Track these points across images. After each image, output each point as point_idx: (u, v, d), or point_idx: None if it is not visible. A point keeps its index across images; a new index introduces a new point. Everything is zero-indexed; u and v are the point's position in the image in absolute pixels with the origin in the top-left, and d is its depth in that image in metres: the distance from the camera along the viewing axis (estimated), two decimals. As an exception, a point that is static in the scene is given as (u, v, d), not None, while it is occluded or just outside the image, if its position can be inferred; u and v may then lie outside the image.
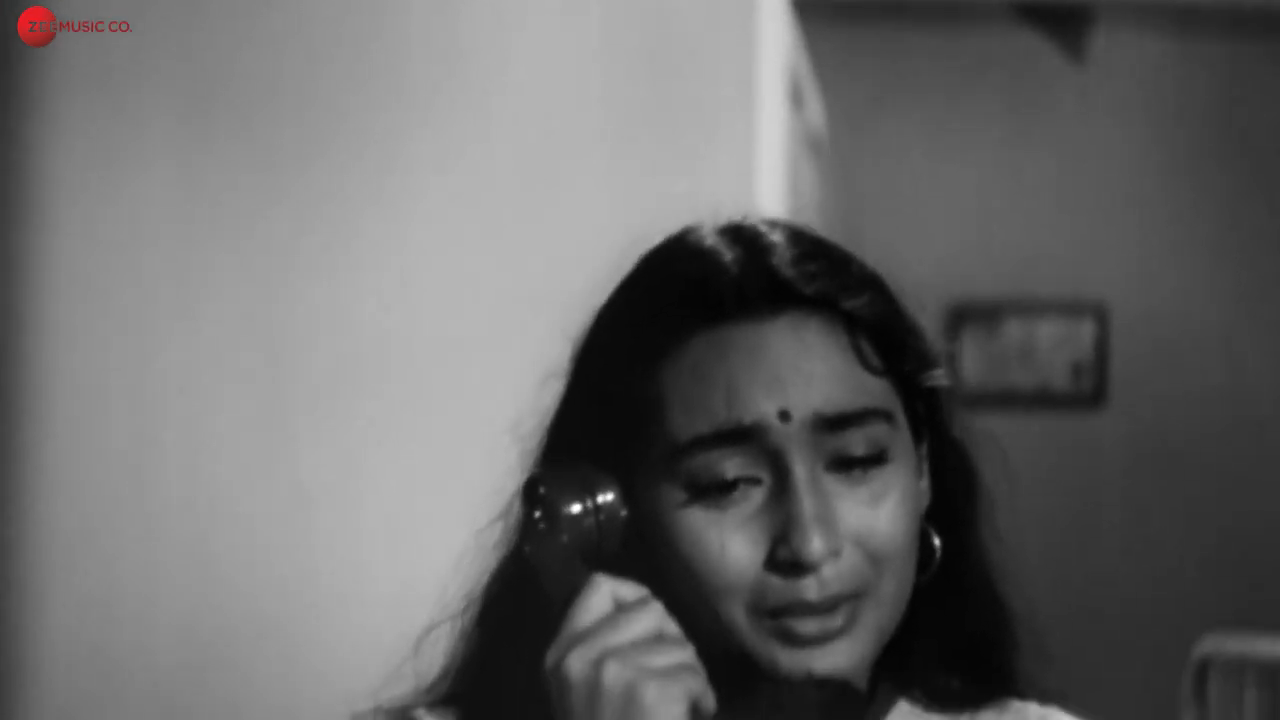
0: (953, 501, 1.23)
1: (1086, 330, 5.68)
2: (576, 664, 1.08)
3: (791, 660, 1.13)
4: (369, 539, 3.13)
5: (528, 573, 1.17)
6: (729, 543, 1.13)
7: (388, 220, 3.12)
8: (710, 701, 1.10)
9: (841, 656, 1.14)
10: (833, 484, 1.14)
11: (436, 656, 1.26)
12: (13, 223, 3.11)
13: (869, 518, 1.14)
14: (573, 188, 3.05)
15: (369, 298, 3.10)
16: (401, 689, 1.26)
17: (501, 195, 3.09)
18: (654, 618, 1.10)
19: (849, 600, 1.14)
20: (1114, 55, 5.87)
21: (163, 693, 3.18)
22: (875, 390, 1.15)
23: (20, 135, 3.11)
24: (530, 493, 1.17)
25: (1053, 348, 5.65)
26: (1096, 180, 5.84)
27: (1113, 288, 5.72)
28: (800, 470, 1.12)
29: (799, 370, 1.13)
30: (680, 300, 1.16)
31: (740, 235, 1.19)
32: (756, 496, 1.14)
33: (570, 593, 1.12)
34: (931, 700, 1.25)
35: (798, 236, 1.19)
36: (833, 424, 1.13)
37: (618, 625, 1.09)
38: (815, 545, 1.11)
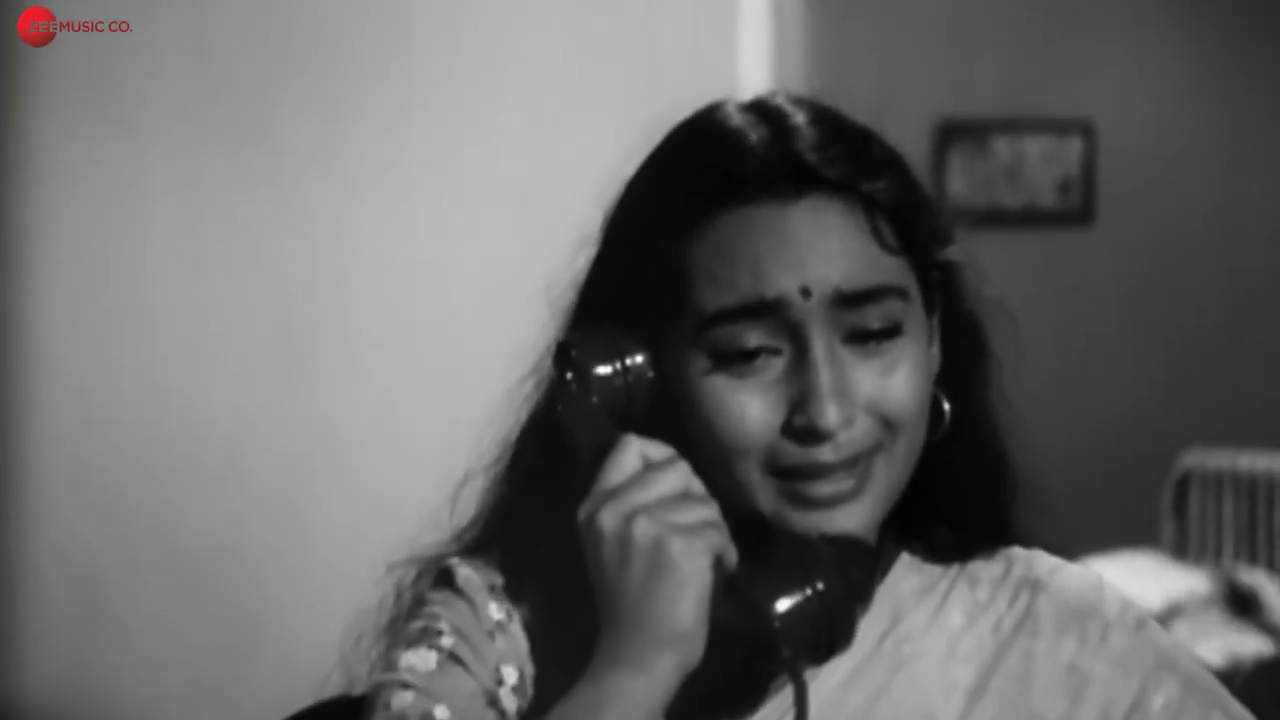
0: (962, 368, 1.29)
1: (1074, 148, 5.67)
2: (608, 519, 1.15)
3: (803, 521, 1.20)
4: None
5: (558, 429, 1.23)
6: (748, 407, 1.19)
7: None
8: (733, 555, 1.16)
9: (851, 519, 1.21)
10: (849, 355, 1.20)
11: (470, 507, 1.32)
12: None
13: (883, 387, 1.20)
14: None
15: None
16: (437, 537, 1.32)
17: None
18: (680, 476, 1.17)
19: (862, 459, 1.20)
20: None
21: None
22: (891, 268, 1.21)
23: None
24: (562, 355, 1.23)
25: (1040, 166, 5.65)
26: (1085, -3, 5.81)
27: (1101, 106, 5.71)
28: (819, 343, 1.18)
29: (820, 250, 1.19)
30: (708, 180, 1.21)
31: (766, 114, 1.24)
32: (777, 366, 1.20)
33: (600, 450, 1.18)
34: (930, 553, 1.32)
35: (820, 116, 1.24)
36: (851, 300, 1.19)
37: (646, 483, 1.16)
38: (831, 415, 1.18)
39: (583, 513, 1.16)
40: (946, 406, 1.27)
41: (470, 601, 1.26)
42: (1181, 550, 5.06)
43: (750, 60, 3.39)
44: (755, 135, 1.22)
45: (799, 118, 1.23)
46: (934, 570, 1.32)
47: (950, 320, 1.28)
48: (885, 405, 1.20)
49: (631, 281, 1.23)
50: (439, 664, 1.23)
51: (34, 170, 3.10)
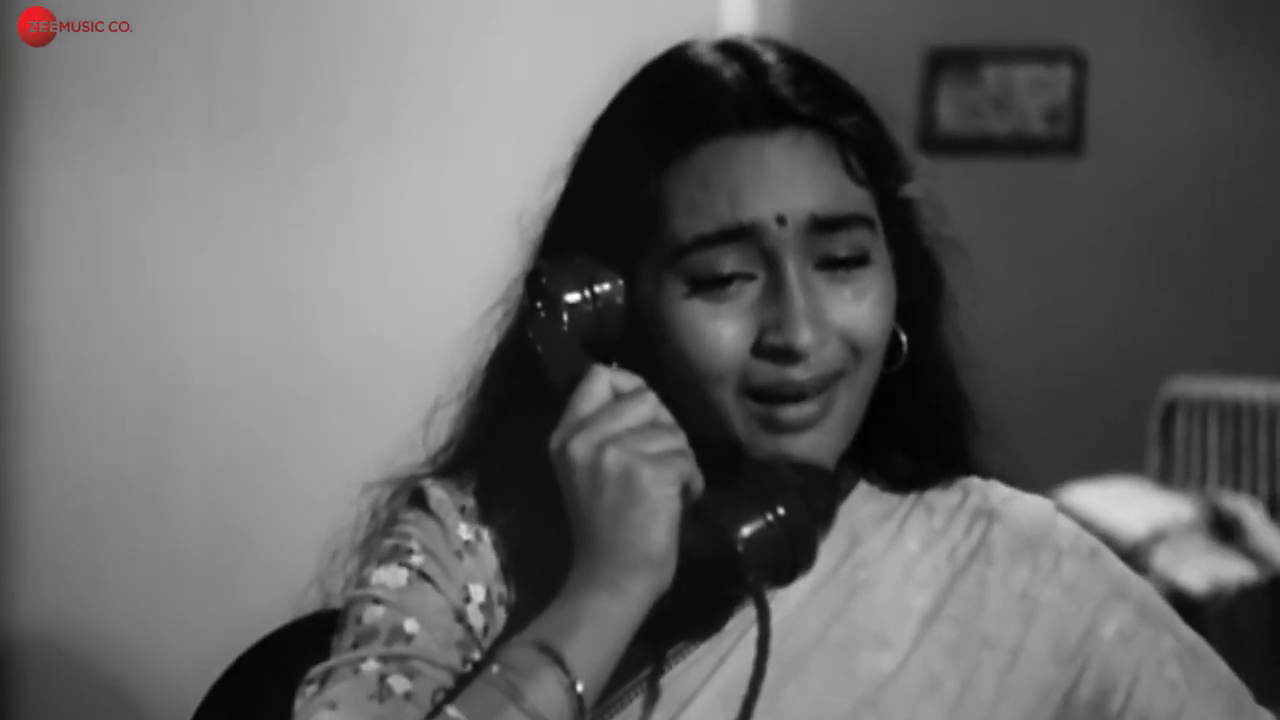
0: (918, 303, 1.33)
1: (1063, 76, 5.67)
2: (579, 449, 1.18)
3: (773, 445, 1.24)
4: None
5: (529, 356, 1.27)
6: (723, 330, 1.23)
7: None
8: (699, 483, 1.20)
9: (817, 444, 1.25)
10: (820, 282, 1.24)
11: (443, 430, 1.36)
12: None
13: (853, 313, 1.25)
14: None
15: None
16: (411, 459, 1.36)
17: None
18: (649, 406, 1.21)
19: (831, 383, 1.24)
20: None
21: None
22: (860, 199, 1.26)
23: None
24: (533, 282, 1.27)
25: (1029, 94, 5.65)
26: (1075, -77, 5.79)
27: (1090, 35, 5.70)
28: (793, 268, 1.23)
29: (795, 180, 1.23)
30: (686, 114, 1.25)
31: (737, 53, 1.28)
32: (751, 291, 1.24)
33: (571, 378, 1.22)
34: (888, 481, 1.36)
35: (789, 55, 1.28)
36: (824, 226, 1.23)
37: (616, 413, 1.19)
38: (805, 335, 1.22)
39: (554, 442, 1.20)
40: (904, 339, 1.30)
41: (441, 522, 1.30)
42: (1167, 477, 5.09)
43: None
44: (729, 72, 1.26)
45: (769, 55, 1.27)
46: (892, 498, 1.36)
47: (907, 256, 1.32)
48: (854, 331, 1.25)
49: (607, 211, 1.27)
50: (409, 581, 1.27)
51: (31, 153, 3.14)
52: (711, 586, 1.23)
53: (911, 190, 1.31)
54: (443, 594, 1.27)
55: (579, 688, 1.15)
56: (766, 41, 1.29)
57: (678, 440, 1.20)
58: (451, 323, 1.37)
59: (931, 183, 1.33)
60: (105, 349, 3.21)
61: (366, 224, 3.26)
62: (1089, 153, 5.73)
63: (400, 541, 1.29)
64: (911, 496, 1.36)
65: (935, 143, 5.55)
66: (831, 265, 1.24)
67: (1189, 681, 1.30)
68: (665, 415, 1.21)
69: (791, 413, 1.24)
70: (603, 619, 1.16)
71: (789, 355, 1.22)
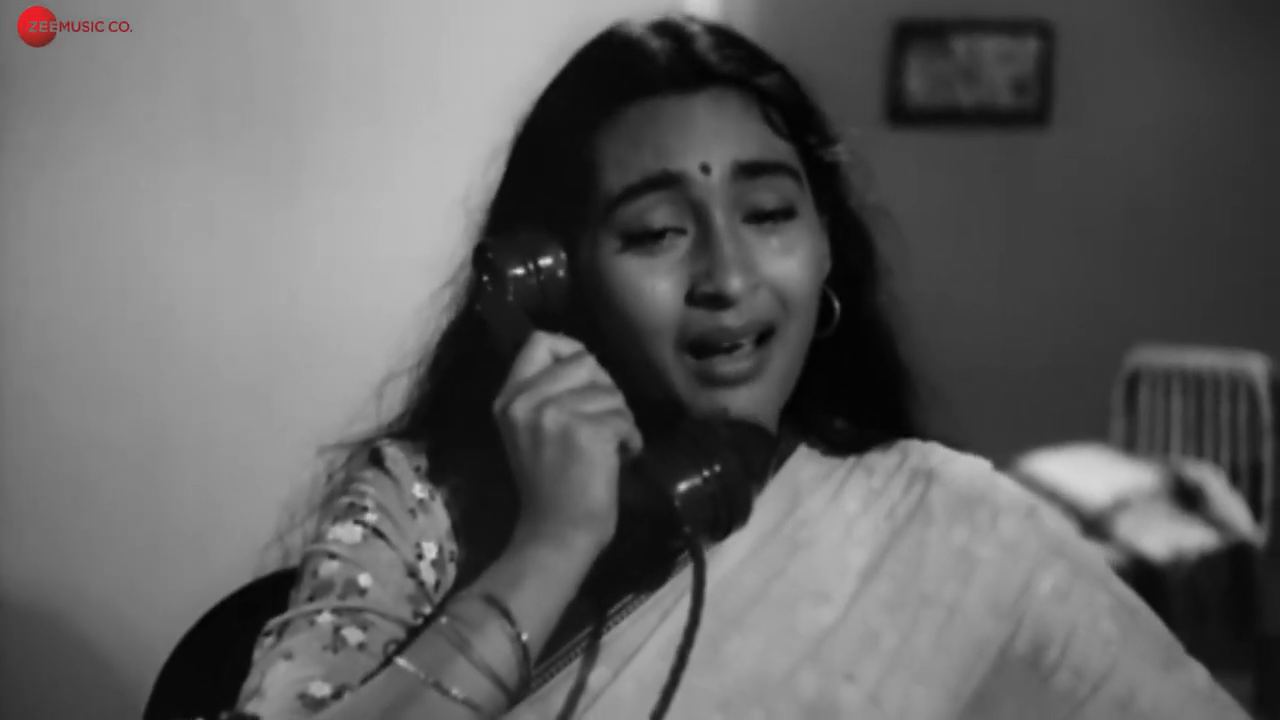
0: (851, 268, 1.38)
1: (1030, 48, 5.69)
2: (520, 410, 1.23)
3: (710, 400, 1.29)
4: (333, 296, 3.26)
5: (478, 328, 1.31)
6: (658, 284, 1.28)
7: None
8: (637, 441, 1.25)
9: (752, 398, 1.30)
10: (749, 234, 1.29)
11: (394, 401, 1.41)
12: None
13: (780, 264, 1.30)
14: None
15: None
16: (364, 427, 1.41)
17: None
18: (587, 369, 1.25)
19: (763, 337, 1.29)
20: None
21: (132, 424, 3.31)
22: (783, 150, 1.31)
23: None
24: (479, 257, 1.31)
25: (996, 66, 5.67)
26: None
27: (1057, 6, 5.72)
28: (720, 217, 1.28)
29: (719, 132, 1.29)
30: (615, 78, 1.31)
31: (665, 27, 1.34)
32: (682, 245, 1.29)
33: (516, 346, 1.26)
34: (828, 445, 1.41)
35: (715, 28, 1.34)
36: (748, 171, 1.29)
37: (556, 376, 1.24)
38: (735, 280, 1.27)
39: (497, 405, 1.24)
40: (837, 304, 1.35)
41: (396, 480, 1.34)
42: (1131, 446, 5.11)
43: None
44: (657, 42, 1.32)
45: (695, 27, 1.33)
46: (832, 461, 1.40)
47: (838, 221, 1.37)
48: (783, 282, 1.29)
49: (544, 179, 1.32)
50: (364, 537, 1.31)
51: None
52: (652, 541, 1.27)
53: (838, 154, 1.36)
54: (396, 550, 1.31)
55: (524, 637, 1.19)
56: (694, 19, 1.35)
57: (615, 400, 1.24)
58: (408, 299, 1.41)
59: (858, 150, 1.37)
60: (92, 328, 3.24)
61: (323, 206, 3.30)
62: (1055, 124, 5.75)
63: (356, 500, 1.34)
64: (851, 459, 1.40)
65: (903, 114, 5.57)
66: (759, 218, 1.29)
67: (1123, 636, 1.34)
68: (603, 377, 1.25)
69: (727, 366, 1.29)
70: (547, 572, 1.21)
71: (720, 301, 1.27)
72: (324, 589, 1.29)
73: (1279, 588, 4.55)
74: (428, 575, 1.32)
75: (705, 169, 1.28)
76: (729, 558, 1.34)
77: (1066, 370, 5.62)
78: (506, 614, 1.20)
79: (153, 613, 3.15)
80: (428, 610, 1.31)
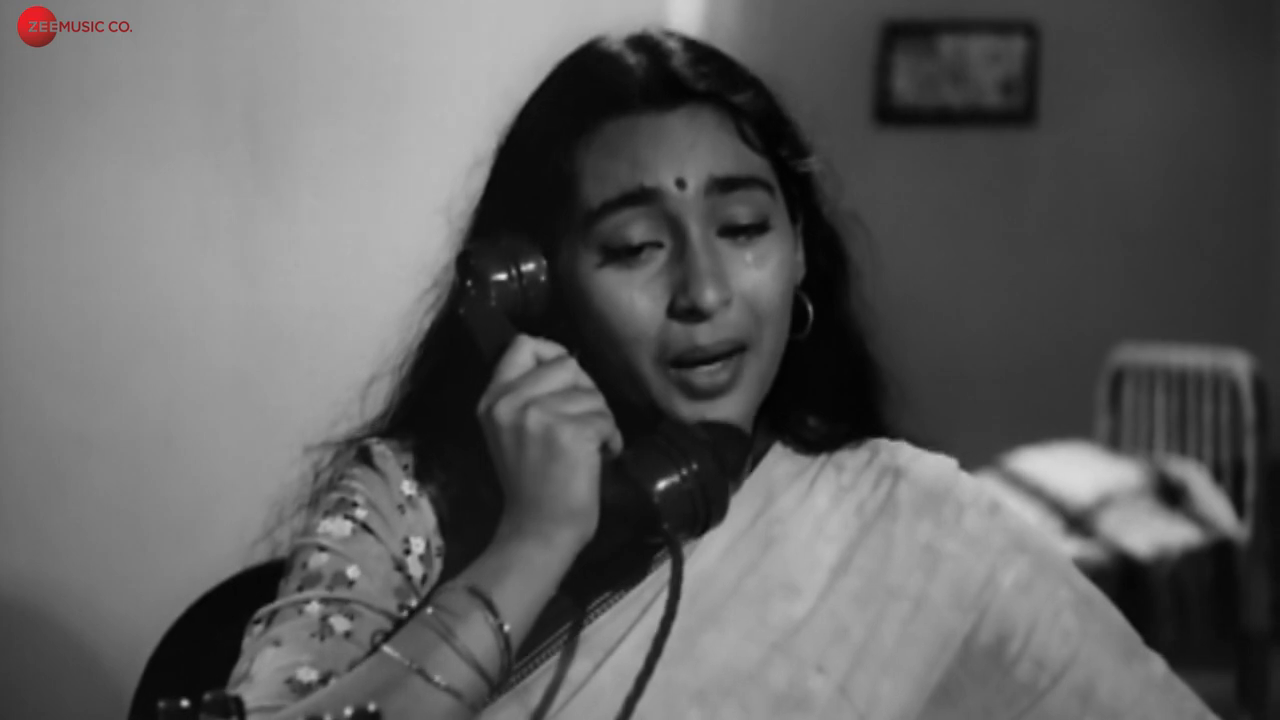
0: (823, 274, 1.42)
1: (1017, 48, 5.69)
2: (504, 411, 1.27)
3: (690, 410, 1.33)
4: (323, 297, 3.28)
5: (462, 331, 1.35)
6: (637, 297, 1.32)
7: None
8: (618, 442, 1.29)
9: (729, 408, 1.34)
10: (724, 247, 1.33)
11: (377, 402, 1.44)
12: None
13: (754, 277, 1.34)
14: None
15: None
16: (348, 427, 1.45)
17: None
18: (570, 372, 1.29)
19: (736, 351, 1.33)
20: None
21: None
22: (758, 165, 1.35)
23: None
24: (462, 263, 1.35)
25: (984, 66, 5.67)
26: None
27: (1044, 7, 5.72)
28: (696, 231, 1.32)
29: (694, 147, 1.33)
30: (593, 94, 1.35)
31: (642, 43, 1.38)
32: (659, 258, 1.33)
33: (500, 349, 1.30)
34: (801, 444, 1.45)
35: (691, 44, 1.38)
36: (722, 186, 1.33)
37: (539, 378, 1.28)
38: (709, 294, 1.31)
39: (481, 406, 1.29)
40: (810, 308, 1.39)
41: (385, 477, 1.38)
42: (1116, 443, 5.11)
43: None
44: (634, 58, 1.36)
45: (671, 44, 1.37)
46: (804, 459, 1.44)
47: (811, 229, 1.41)
48: (756, 296, 1.33)
49: (525, 190, 1.36)
50: (353, 531, 1.35)
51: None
52: (632, 538, 1.31)
53: (811, 165, 1.39)
54: (384, 545, 1.35)
55: (506, 628, 1.24)
56: (671, 34, 1.39)
57: (597, 402, 1.29)
58: (396, 302, 1.45)
59: (830, 159, 1.41)
60: (83, 325, 3.26)
61: (314, 210, 3.33)
62: (1042, 124, 5.75)
63: (346, 495, 1.37)
64: (822, 457, 1.44)
65: (891, 114, 5.59)
66: (733, 232, 1.33)
67: (1083, 629, 1.38)
68: (585, 380, 1.30)
69: (705, 379, 1.33)
70: (530, 566, 1.25)
71: (695, 314, 1.31)
72: (313, 580, 1.33)
73: (1262, 585, 4.56)
74: (415, 569, 1.35)
75: (681, 184, 1.31)
76: (706, 554, 1.37)
77: (1051, 368, 5.63)
78: (490, 605, 1.24)
79: (141, 608, 3.17)
80: (414, 603, 1.34)
